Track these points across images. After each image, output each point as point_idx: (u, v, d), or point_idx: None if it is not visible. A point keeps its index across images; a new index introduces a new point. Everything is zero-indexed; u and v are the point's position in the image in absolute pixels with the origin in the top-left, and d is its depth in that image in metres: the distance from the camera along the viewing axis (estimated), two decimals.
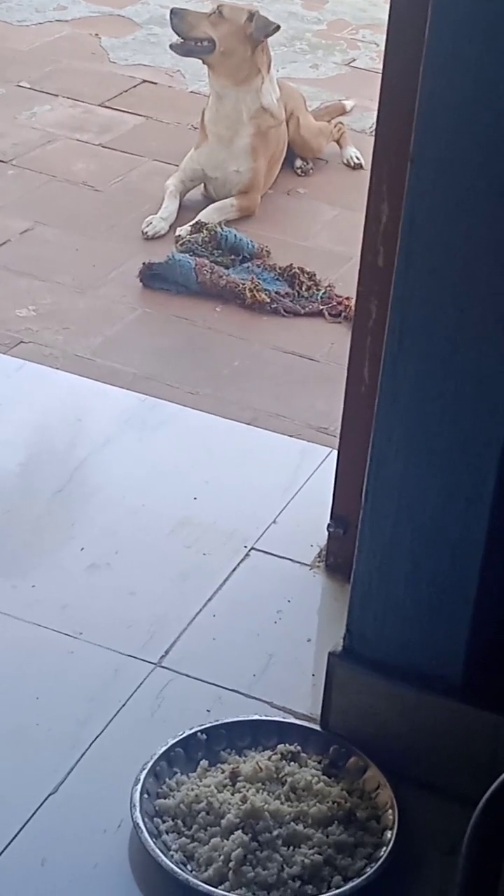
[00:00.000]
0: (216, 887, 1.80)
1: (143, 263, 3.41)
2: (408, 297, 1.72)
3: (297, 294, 3.40)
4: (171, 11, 3.91)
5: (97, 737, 2.04)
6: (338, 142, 4.25)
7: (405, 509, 1.86)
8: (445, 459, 1.80)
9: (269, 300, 3.36)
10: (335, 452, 2.39)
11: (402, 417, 1.79)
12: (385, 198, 2.04)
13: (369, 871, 1.83)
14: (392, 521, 1.87)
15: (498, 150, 1.59)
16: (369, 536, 1.90)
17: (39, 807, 1.92)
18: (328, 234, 3.75)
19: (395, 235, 1.73)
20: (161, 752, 1.95)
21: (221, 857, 1.83)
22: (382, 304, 2.01)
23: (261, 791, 1.92)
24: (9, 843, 1.87)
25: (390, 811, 1.90)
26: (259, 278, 3.42)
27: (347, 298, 3.30)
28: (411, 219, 1.68)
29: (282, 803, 1.90)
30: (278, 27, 3.89)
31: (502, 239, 1.63)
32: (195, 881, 1.80)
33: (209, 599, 2.32)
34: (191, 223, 3.66)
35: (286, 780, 1.94)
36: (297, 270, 3.45)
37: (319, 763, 1.99)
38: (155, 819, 1.89)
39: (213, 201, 3.84)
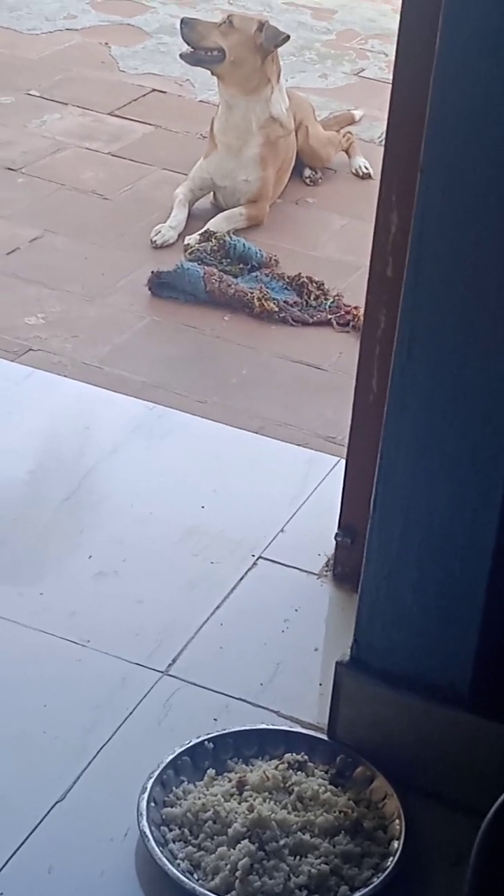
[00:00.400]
0: None
1: (152, 272, 3.41)
2: (417, 307, 1.72)
3: (305, 303, 3.40)
4: (182, 21, 3.92)
5: (104, 745, 2.04)
6: (346, 151, 4.26)
7: (413, 518, 1.86)
8: (454, 468, 1.80)
9: (277, 309, 3.36)
10: (343, 461, 2.39)
11: (411, 426, 1.79)
12: (394, 207, 2.04)
13: (376, 881, 1.83)
14: (400, 530, 1.87)
15: None
16: (377, 545, 1.90)
17: (46, 814, 1.92)
18: (337, 244, 3.75)
19: (404, 245, 1.73)
20: (168, 760, 1.95)
21: (228, 867, 1.83)
22: (391, 314, 2.02)
23: (268, 800, 1.91)
24: (16, 851, 1.87)
25: (397, 821, 1.90)
26: (267, 287, 3.42)
27: (356, 308, 3.30)
28: (421, 228, 1.68)
29: (288, 813, 1.90)
30: (288, 37, 3.90)
31: None
32: (202, 890, 1.80)
33: (217, 608, 2.32)
34: (199, 232, 3.67)
35: (293, 790, 1.94)
36: (306, 280, 3.46)
37: (326, 773, 1.98)
38: (162, 828, 1.89)
39: (222, 210, 3.84)
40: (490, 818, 1.28)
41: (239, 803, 1.91)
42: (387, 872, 1.83)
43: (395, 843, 1.87)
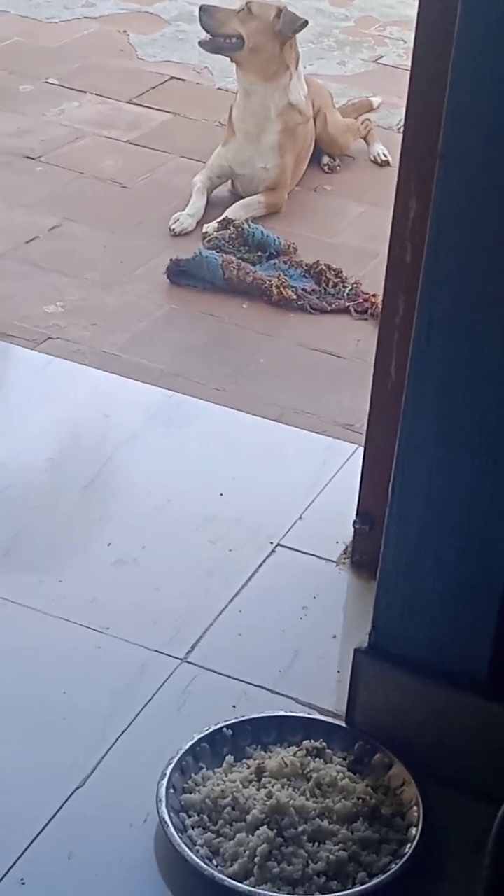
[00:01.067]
0: (241, 882, 1.80)
1: (171, 260, 3.41)
2: (435, 292, 1.72)
3: (323, 291, 3.40)
4: (201, 8, 3.91)
5: (123, 731, 2.04)
6: (365, 138, 4.24)
7: (432, 506, 1.86)
8: (472, 455, 1.79)
9: (295, 297, 3.36)
10: (361, 449, 2.39)
11: (429, 413, 1.79)
12: (413, 194, 2.04)
13: (394, 867, 1.83)
14: (419, 517, 1.87)
15: None
16: (396, 533, 1.90)
17: (66, 801, 1.93)
18: (355, 231, 3.75)
19: (422, 232, 1.73)
20: (187, 747, 1.96)
21: (247, 853, 1.83)
22: (410, 301, 2.01)
23: (286, 787, 1.92)
24: (36, 837, 1.88)
25: (415, 808, 1.90)
26: (286, 275, 3.42)
27: (374, 295, 3.30)
28: (439, 214, 1.67)
29: (307, 799, 1.90)
30: (306, 22, 3.88)
31: None
32: (220, 876, 1.80)
33: (235, 595, 2.32)
34: (218, 220, 3.66)
35: (311, 776, 1.94)
36: (324, 267, 3.45)
37: (344, 759, 1.99)
38: (181, 814, 1.89)
39: (241, 198, 3.84)
40: None
41: (258, 790, 1.92)
42: (405, 859, 1.84)
43: (413, 830, 1.87)
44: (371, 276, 3.40)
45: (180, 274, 3.40)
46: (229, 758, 1.97)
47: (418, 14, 1.96)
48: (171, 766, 1.93)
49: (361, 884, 1.81)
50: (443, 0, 1.82)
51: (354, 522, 2.39)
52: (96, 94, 4.49)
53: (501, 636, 1.90)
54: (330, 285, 3.41)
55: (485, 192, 1.62)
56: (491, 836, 1.29)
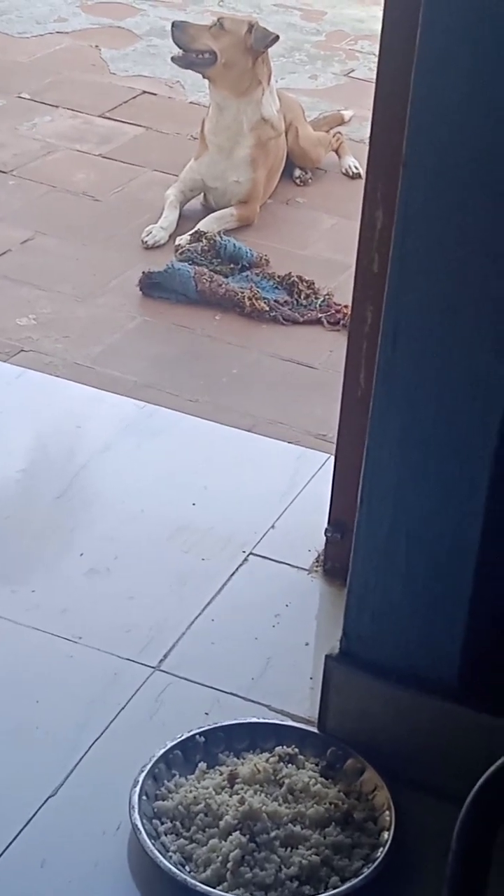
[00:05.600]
0: (214, 888, 1.81)
1: (143, 272, 3.43)
2: (401, 300, 1.74)
3: (295, 302, 3.42)
4: (173, 24, 3.94)
5: (96, 740, 2.05)
6: (336, 151, 4.27)
7: (400, 512, 1.87)
8: (440, 462, 1.81)
9: (268, 308, 3.38)
10: (332, 458, 2.41)
11: (397, 419, 1.81)
12: (380, 204, 2.06)
13: (366, 871, 1.84)
14: (388, 524, 1.89)
15: (490, 153, 1.60)
16: (365, 540, 1.92)
17: (39, 809, 1.93)
18: (327, 243, 3.77)
19: (389, 242, 1.74)
20: (160, 754, 1.97)
21: (219, 858, 1.84)
22: (378, 310, 2.02)
23: (258, 793, 1.93)
24: (9, 845, 1.88)
25: (387, 812, 1.91)
26: (258, 287, 3.44)
27: (346, 306, 3.32)
28: (404, 222, 1.69)
29: (279, 805, 1.91)
30: (277, 37, 3.91)
31: (495, 241, 1.64)
32: (193, 882, 1.81)
33: (208, 604, 2.33)
34: (190, 232, 3.68)
35: (284, 782, 1.95)
36: (296, 279, 3.47)
37: (317, 765, 2.00)
38: (154, 821, 1.90)
39: (213, 211, 3.86)
40: (470, 802, 1.29)
41: (230, 796, 1.92)
42: (377, 863, 1.85)
43: (386, 834, 1.89)
44: (343, 288, 3.41)
45: (153, 286, 3.42)
46: (202, 765, 1.98)
47: (382, 27, 1.98)
48: (143, 774, 1.93)
49: (334, 888, 1.82)
50: (406, 11, 1.85)
51: (326, 530, 2.41)
52: (68, 109, 4.50)
53: (471, 640, 1.92)
54: (302, 297, 3.43)
55: (447, 199, 1.64)
56: (454, 833, 1.30)
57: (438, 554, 1.87)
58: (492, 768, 1.29)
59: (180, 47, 3.90)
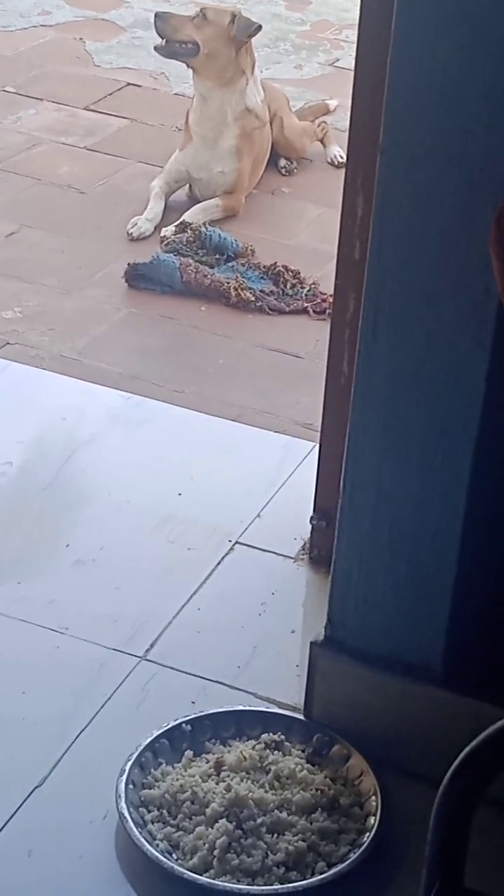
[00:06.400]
0: (201, 875, 1.81)
1: (129, 264, 3.43)
2: (381, 287, 1.74)
3: (281, 292, 3.42)
4: (156, 15, 3.94)
5: (83, 730, 2.05)
6: (321, 141, 4.28)
7: (383, 499, 1.88)
8: (421, 449, 1.82)
9: (253, 298, 3.38)
10: (318, 446, 2.41)
11: (378, 407, 1.81)
12: (360, 191, 2.07)
13: (353, 856, 1.85)
14: (370, 511, 1.89)
15: (466, 139, 1.61)
16: (348, 527, 1.92)
17: (26, 799, 1.94)
18: (312, 233, 3.77)
19: (370, 229, 1.75)
20: (146, 743, 1.97)
21: (206, 846, 1.85)
22: (360, 298, 2.02)
23: (245, 780, 1.93)
24: None
25: (373, 798, 1.92)
26: (244, 277, 3.44)
27: (331, 296, 3.29)
28: (382, 209, 1.70)
29: (266, 791, 1.92)
30: (260, 27, 3.91)
31: (472, 227, 1.64)
32: (180, 869, 1.82)
33: (194, 593, 2.34)
34: (175, 223, 3.68)
35: (270, 769, 1.95)
36: (282, 269, 3.47)
37: (303, 751, 2.00)
38: (140, 809, 1.90)
39: (198, 202, 3.86)
40: (446, 784, 1.30)
41: (217, 783, 1.93)
42: (363, 848, 1.85)
43: (372, 820, 1.89)
44: (329, 277, 3.38)
45: (138, 278, 3.41)
46: (188, 753, 1.98)
47: (360, 15, 1.99)
48: (130, 763, 1.94)
49: (321, 874, 1.83)
50: (382, 1, 1.85)
51: (311, 518, 2.41)
52: (53, 102, 4.50)
53: (455, 625, 1.92)
54: (288, 286, 3.43)
55: (424, 185, 1.65)
56: (431, 816, 1.31)
57: (421, 540, 1.88)
58: (465, 751, 1.30)
59: (163, 38, 3.90)
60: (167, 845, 1.86)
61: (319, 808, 1.91)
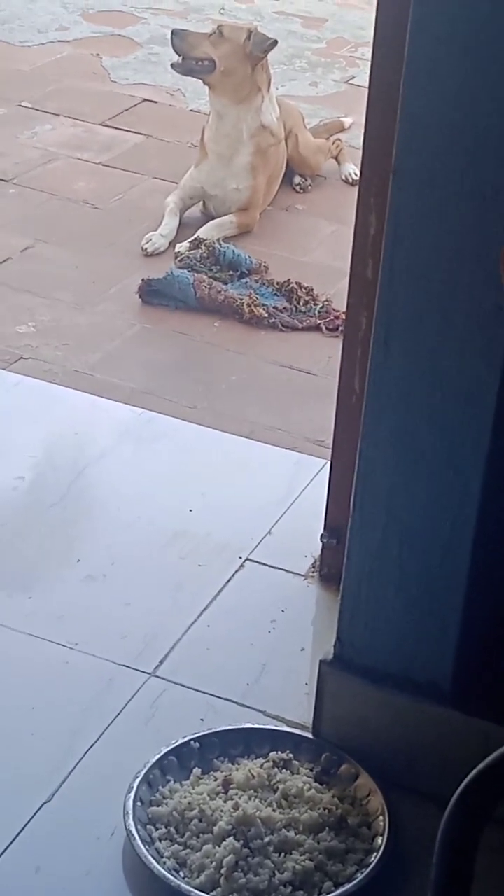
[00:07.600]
0: (208, 893, 1.81)
1: (142, 279, 3.44)
2: (392, 305, 1.74)
3: (294, 309, 3.43)
4: (173, 32, 3.95)
5: (91, 746, 2.05)
6: (336, 158, 4.28)
7: (393, 517, 1.88)
8: (432, 467, 1.82)
9: (266, 315, 3.38)
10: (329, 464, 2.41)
11: (389, 424, 1.81)
12: (373, 210, 2.07)
13: (360, 876, 1.84)
14: (381, 529, 1.89)
15: (478, 159, 1.61)
16: (358, 545, 1.92)
17: (34, 815, 1.94)
18: (326, 250, 3.78)
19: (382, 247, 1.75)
20: (154, 760, 1.97)
21: (213, 864, 1.84)
22: (372, 316, 2.03)
23: (253, 798, 1.93)
24: (3, 851, 1.88)
25: (381, 817, 1.91)
26: (257, 293, 3.44)
27: (344, 313, 3.30)
28: (395, 229, 1.70)
29: (273, 810, 1.92)
30: (275, 42, 3.92)
31: (484, 246, 1.65)
32: (187, 887, 1.81)
33: (204, 610, 2.34)
34: (190, 239, 3.69)
35: (278, 788, 1.95)
36: (295, 285, 3.48)
37: (311, 770, 2.00)
38: (148, 826, 1.90)
39: (213, 218, 3.87)
40: (454, 804, 1.30)
41: (224, 801, 1.93)
42: (371, 868, 1.85)
43: (379, 840, 1.89)
44: (342, 294, 3.38)
45: (152, 293, 3.42)
46: (196, 770, 1.98)
47: (374, 35, 1.99)
48: (138, 779, 1.94)
49: (328, 893, 1.83)
50: (398, 20, 1.85)
51: (322, 536, 2.41)
52: (69, 117, 4.52)
53: (465, 645, 1.92)
54: (301, 303, 3.44)
55: (437, 205, 1.65)
56: (438, 837, 1.31)
57: (431, 559, 1.88)
58: (473, 772, 1.29)
59: (180, 55, 3.91)
60: (174, 863, 1.86)
61: (327, 828, 1.90)
